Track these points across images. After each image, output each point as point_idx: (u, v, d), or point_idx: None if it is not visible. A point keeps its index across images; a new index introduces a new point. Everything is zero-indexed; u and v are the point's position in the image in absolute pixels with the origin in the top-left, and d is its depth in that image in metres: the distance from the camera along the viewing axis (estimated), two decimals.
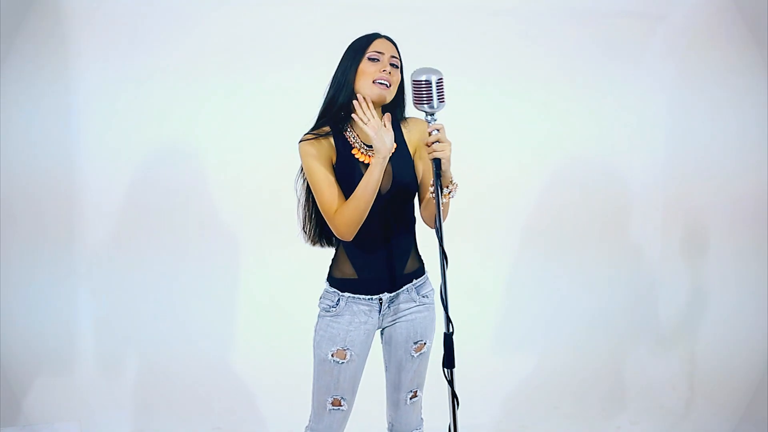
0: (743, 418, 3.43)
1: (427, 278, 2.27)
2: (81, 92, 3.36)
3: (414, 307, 2.22)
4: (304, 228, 2.25)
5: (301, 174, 2.17)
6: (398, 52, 2.10)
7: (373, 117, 1.96)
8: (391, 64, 2.07)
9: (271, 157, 3.19)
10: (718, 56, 3.69)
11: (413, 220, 2.21)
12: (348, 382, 2.19)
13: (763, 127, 3.58)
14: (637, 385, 3.78)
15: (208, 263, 3.59)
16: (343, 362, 2.16)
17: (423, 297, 2.24)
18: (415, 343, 2.24)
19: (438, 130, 1.95)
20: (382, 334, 2.27)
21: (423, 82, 1.92)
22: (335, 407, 2.19)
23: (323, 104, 2.13)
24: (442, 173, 1.96)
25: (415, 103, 1.96)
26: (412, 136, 2.19)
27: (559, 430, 3.48)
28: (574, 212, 3.84)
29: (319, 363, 2.18)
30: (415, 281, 2.22)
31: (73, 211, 3.44)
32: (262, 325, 3.63)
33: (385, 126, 1.97)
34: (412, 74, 1.94)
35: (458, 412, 2.12)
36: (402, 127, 2.19)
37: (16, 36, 3.23)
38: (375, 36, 2.09)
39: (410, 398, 2.28)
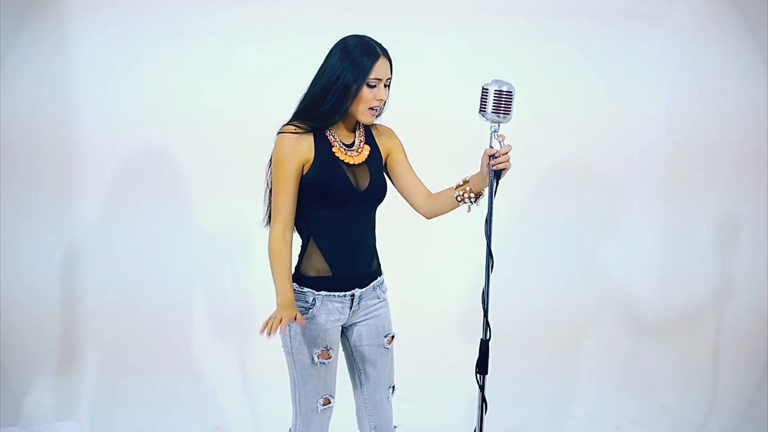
0: (743, 418, 3.44)
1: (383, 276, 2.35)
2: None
3: (378, 302, 2.30)
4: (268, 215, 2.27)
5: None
6: (392, 66, 2.13)
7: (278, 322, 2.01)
8: (386, 86, 2.13)
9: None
10: (718, 56, 3.69)
11: (375, 221, 2.27)
12: (333, 379, 2.24)
13: (763, 126, 3.58)
14: (637, 384, 3.78)
15: (210, 261, 3.59)
16: (327, 362, 2.19)
17: (383, 293, 2.32)
18: (386, 336, 2.31)
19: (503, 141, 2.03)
20: (346, 336, 2.31)
21: (504, 93, 1.97)
22: (326, 406, 2.23)
23: (308, 98, 2.13)
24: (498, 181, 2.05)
25: (492, 112, 1.99)
26: (383, 141, 2.27)
27: (559, 430, 3.48)
28: (569, 211, 3.85)
29: (304, 368, 2.19)
30: (378, 278, 2.29)
31: (74, 213, 3.45)
32: (261, 325, 3.62)
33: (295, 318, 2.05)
34: (490, 84, 1.98)
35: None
36: (372, 131, 2.27)
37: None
38: (377, 56, 2.08)
39: (391, 393, 2.36)
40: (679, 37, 3.79)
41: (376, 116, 2.18)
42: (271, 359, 3.57)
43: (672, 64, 3.82)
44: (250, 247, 3.59)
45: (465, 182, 2.17)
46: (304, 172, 2.12)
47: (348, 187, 2.12)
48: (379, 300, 2.30)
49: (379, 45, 2.11)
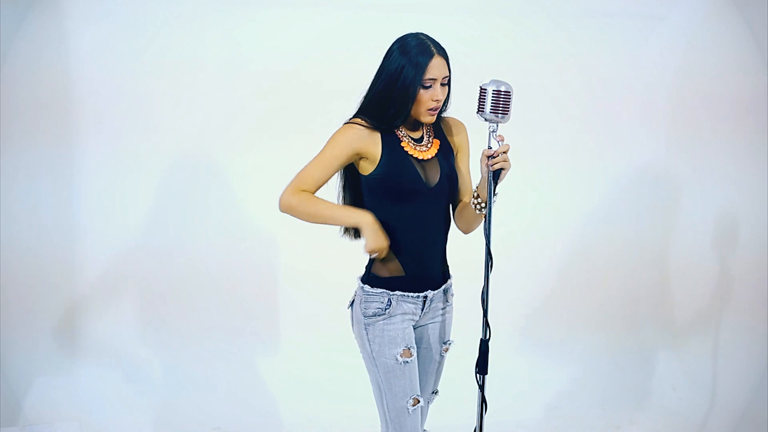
0: (743, 418, 3.44)
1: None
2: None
3: (446, 306, 2.24)
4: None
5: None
6: (449, 65, 2.07)
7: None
8: (443, 84, 2.07)
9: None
10: (718, 56, 3.69)
11: (450, 220, 2.21)
12: (417, 378, 2.16)
13: (763, 126, 3.58)
14: (637, 384, 3.78)
15: (210, 260, 3.58)
16: (410, 361, 2.12)
17: (451, 296, 2.27)
18: (444, 343, 2.26)
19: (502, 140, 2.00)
20: None
21: (503, 93, 1.96)
22: (415, 406, 2.14)
23: (370, 100, 2.08)
24: (497, 182, 2.03)
25: (490, 112, 1.97)
26: (453, 136, 2.21)
27: (559, 430, 3.48)
28: (566, 212, 3.85)
29: (388, 370, 2.12)
30: (448, 281, 2.24)
31: (74, 209, 3.44)
32: (261, 326, 3.62)
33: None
34: (488, 84, 1.96)
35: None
36: (441, 125, 2.21)
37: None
38: (430, 55, 2.03)
39: (432, 399, 2.31)
40: (679, 37, 3.79)
41: (438, 114, 2.11)
42: (272, 360, 3.60)
43: (672, 64, 3.82)
44: (251, 246, 3.60)
45: (477, 188, 2.12)
46: (371, 170, 2.07)
47: (418, 182, 2.07)
48: (447, 304, 2.24)
49: (434, 42, 2.06)
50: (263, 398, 3.50)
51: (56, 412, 3.33)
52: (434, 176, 2.10)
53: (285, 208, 2.07)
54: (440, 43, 2.07)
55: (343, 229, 2.20)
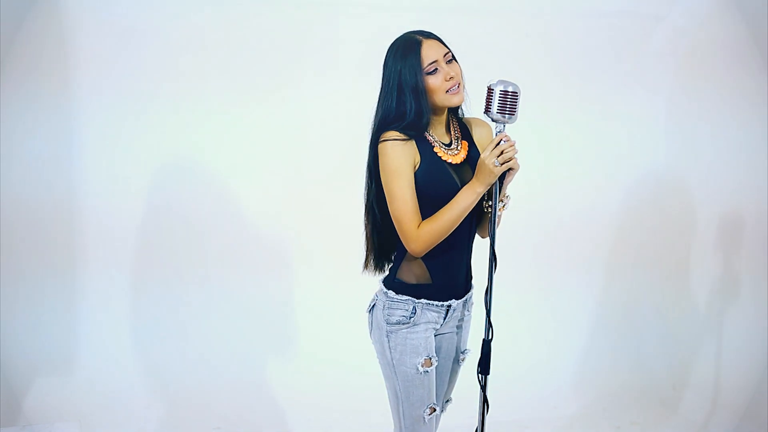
0: (743, 418, 3.44)
1: None
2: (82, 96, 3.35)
3: (464, 316, 2.20)
4: (369, 256, 2.15)
5: (371, 179, 2.07)
6: (443, 42, 2.03)
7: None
8: (448, 62, 2.01)
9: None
10: (718, 56, 3.69)
11: (475, 228, 2.16)
12: (434, 387, 2.13)
13: (763, 126, 3.58)
14: (637, 384, 3.78)
15: (210, 261, 3.58)
16: (430, 370, 2.08)
17: (471, 305, 2.22)
18: (462, 352, 2.23)
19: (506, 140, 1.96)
20: None
21: (510, 93, 1.94)
22: (431, 415, 2.12)
23: (387, 112, 2.01)
24: (503, 184, 2.02)
25: (497, 112, 1.95)
26: (479, 138, 2.16)
27: (559, 430, 3.48)
28: (565, 213, 3.85)
29: (408, 379, 2.07)
30: (470, 291, 2.19)
31: (75, 230, 3.45)
32: (259, 326, 3.62)
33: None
34: (496, 84, 1.94)
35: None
36: (467, 126, 2.16)
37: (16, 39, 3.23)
38: (417, 44, 1.98)
39: (446, 407, 2.28)
40: (679, 37, 3.79)
41: (462, 93, 2.04)
42: (271, 360, 3.60)
43: (672, 64, 3.83)
44: (255, 241, 3.59)
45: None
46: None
47: (455, 188, 2.01)
48: (467, 314, 2.20)
49: (418, 31, 2.01)
50: (264, 398, 3.50)
51: (56, 412, 3.33)
52: (469, 177, 2.03)
53: (424, 248, 1.99)
54: (429, 31, 2.03)
55: (363, 264, 2.17)
